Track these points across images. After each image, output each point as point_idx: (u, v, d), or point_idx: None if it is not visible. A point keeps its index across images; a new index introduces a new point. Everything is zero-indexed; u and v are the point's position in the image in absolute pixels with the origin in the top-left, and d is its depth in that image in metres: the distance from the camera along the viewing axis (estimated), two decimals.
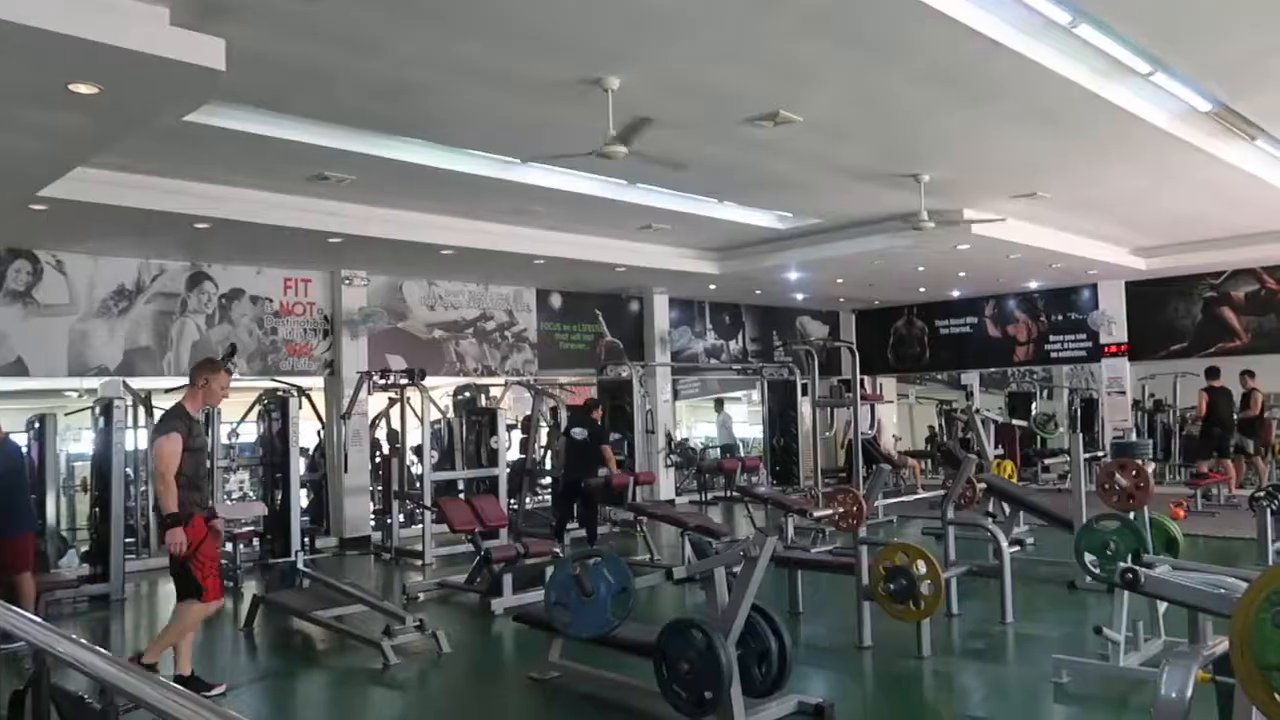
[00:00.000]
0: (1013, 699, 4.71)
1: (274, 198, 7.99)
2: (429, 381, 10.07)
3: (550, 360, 12.95)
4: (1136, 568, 2.63)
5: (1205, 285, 13.00)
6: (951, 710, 4.65)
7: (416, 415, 10.04)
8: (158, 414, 9.87)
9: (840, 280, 13.12)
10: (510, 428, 11.49)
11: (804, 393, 13.07)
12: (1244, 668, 2.12)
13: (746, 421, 19.55)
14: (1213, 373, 11.99)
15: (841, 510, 5.53)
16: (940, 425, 17.60)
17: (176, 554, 4.71)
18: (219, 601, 5.00)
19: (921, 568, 4.98)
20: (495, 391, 11.90)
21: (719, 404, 16.48)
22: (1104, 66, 5.97)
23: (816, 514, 5.86)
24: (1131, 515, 4.82)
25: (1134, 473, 4.85)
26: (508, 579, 6.75)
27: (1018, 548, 7.41)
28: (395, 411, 10.38)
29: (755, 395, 16.51)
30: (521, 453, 11.72)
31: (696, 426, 21.05)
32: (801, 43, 5.16)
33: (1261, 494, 7.52)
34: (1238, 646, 2.14)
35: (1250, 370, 12.07)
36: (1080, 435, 7.48)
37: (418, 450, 10.30)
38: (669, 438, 13.46)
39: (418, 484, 9.84)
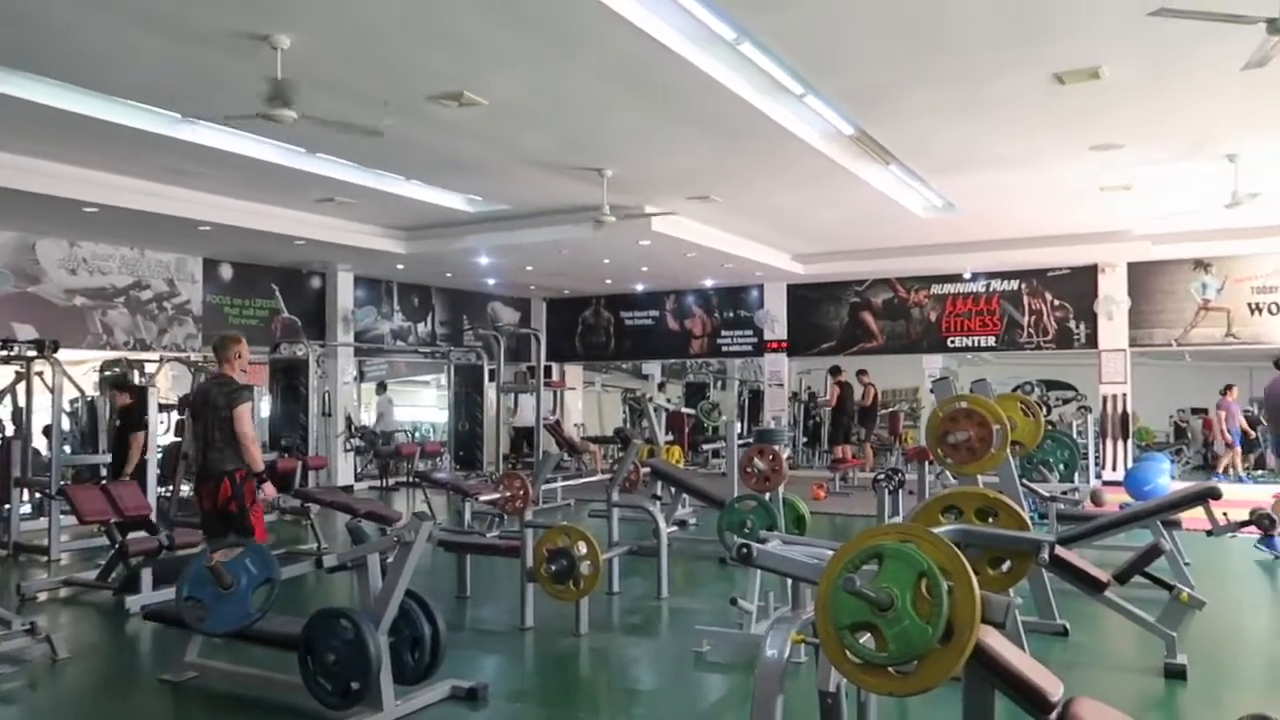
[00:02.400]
0: (657, 669, 5.01)
1: None
2: (70, 355, 8.93)
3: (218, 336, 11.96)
4: (750, 543, 2.85)
5: (851, 291, 14.61)
6: (599, 683, 4.85)
7: (50, 391, 8.84)
8: None
9: (530, 268, 13.28)
10: (167, 408, 10.47)
11: (491, 378, 13.09)
12: (824, 628, 2.35)
13: (435, 405, 19.26)
14: (836, 370, 14.03)
15: (509, 494, 5.59)
16: (626, 413, 18.41)
17: (269, 501, 5.67)
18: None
19: (582, 549, 5.15)
20: (151, 368, 10.78)
21: (380, 386, 16.02)
22: (765, 84, 6.50)
23: (482, 498, 5.88)
24: (767, 495, 5.28)
25: (770, 457, 5.33)
26: (146, 574, 6.14)
27: (676, 528, 7.92)
28: (23, 388, 9.06)
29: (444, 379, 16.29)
30: (178, 435, 10.71)
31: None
32: (482, 23, 5.13)
33: (882, 476, 8.58)
34: (820, 609, 2.38)
35: (864, 369, 14.12)
36: (736, 423, 8.10)
37: (48, 431, 9.08)
38: (349, 421, 12.94)
39: (48, 470, 8.67)
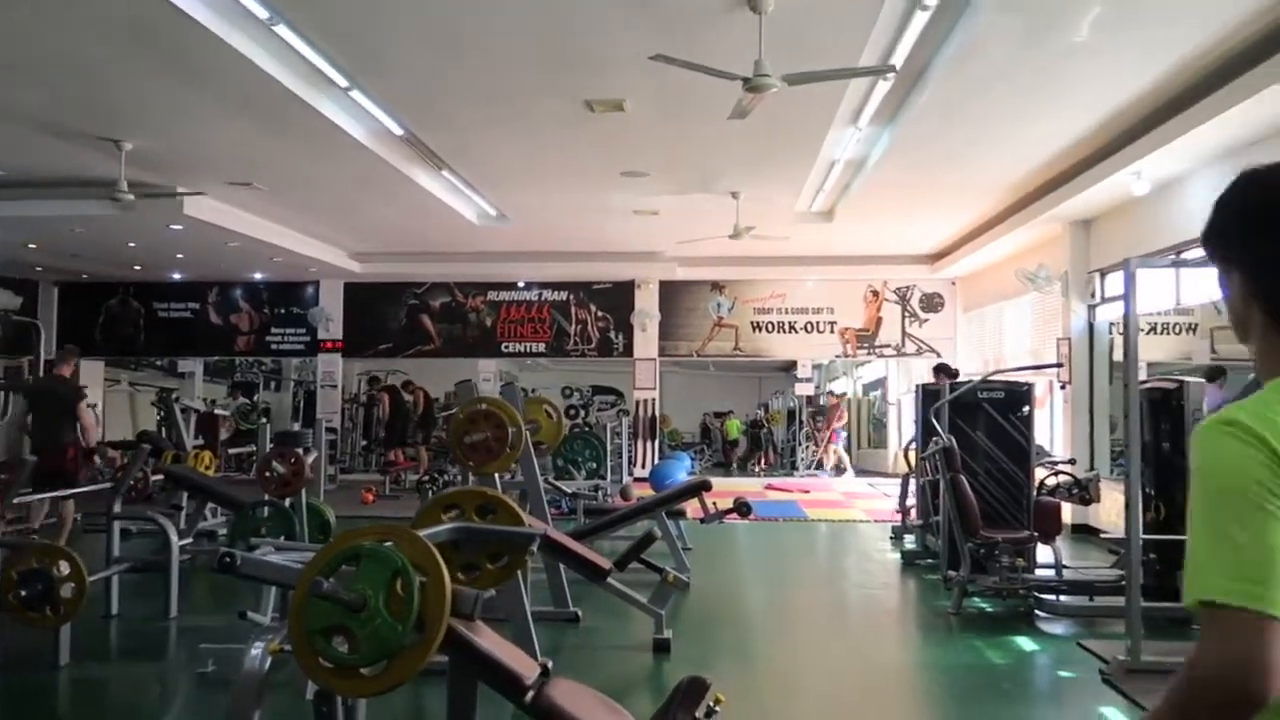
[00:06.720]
0: (151, 696, 4.55)
1: None
2: None
3: None
4: (234, 552, 2.70)
5: (410, 294, 14.55)
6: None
7: None
8: None
9: (33, 246, 11.41)
10: None
11: None
12: (297, 635, 2.29)
13: None
14: (375, 381, 14.10)
15: None
16: (159, 415, 16.54)
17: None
18: None
19: (64, 569, 4.51)
20: None
21: None
22: (307, 72, 6.21)
23: None
24: (288, 501, 5.04)
25: (293, 460, 5.09)
26: None
27: (201, 540, 7.31)
28: None
29: None
30: None
31: None
32: None
33: (426, 478, 8.68)
34: (293, 616, 2.31)
35: (410, 380, 14.51)
36: (269, 425, 7.66)
37: None
38: None
39: None
